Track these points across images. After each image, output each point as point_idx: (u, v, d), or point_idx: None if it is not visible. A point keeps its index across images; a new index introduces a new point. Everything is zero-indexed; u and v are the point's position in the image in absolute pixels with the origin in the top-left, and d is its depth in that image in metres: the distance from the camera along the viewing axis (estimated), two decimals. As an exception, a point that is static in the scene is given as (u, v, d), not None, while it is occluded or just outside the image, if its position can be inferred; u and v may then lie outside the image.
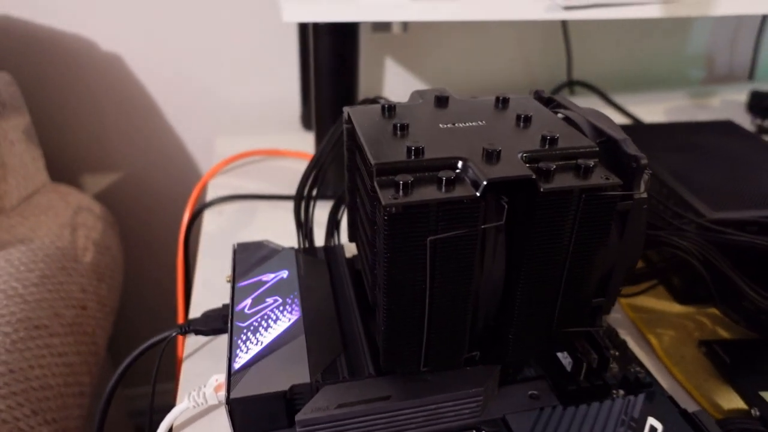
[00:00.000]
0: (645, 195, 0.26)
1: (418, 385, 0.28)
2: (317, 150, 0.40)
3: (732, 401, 0.33)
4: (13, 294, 0.46)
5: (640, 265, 0.42)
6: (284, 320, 0.32)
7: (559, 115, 0.30)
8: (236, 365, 0.29)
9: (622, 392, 0.30)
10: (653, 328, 0.39)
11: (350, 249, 0.39)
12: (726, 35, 0.88)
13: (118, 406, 0.76)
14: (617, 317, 0.41)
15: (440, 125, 0.28)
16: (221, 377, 0.31)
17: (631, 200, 0.26)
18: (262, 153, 0.64)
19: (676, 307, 0.41)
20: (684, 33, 0.86)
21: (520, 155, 0.25)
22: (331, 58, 0.50)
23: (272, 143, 0.66)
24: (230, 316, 0.32)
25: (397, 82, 0.77)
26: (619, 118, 0.73)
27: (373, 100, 0.39)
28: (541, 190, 0.24)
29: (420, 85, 0.79)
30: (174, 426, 0.32)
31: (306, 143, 0.67)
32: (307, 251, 0.39)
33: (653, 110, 0.77)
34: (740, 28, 0.87)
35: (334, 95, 0.52)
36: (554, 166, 0.24)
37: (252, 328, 0.31)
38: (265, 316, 0.32)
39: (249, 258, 0.38)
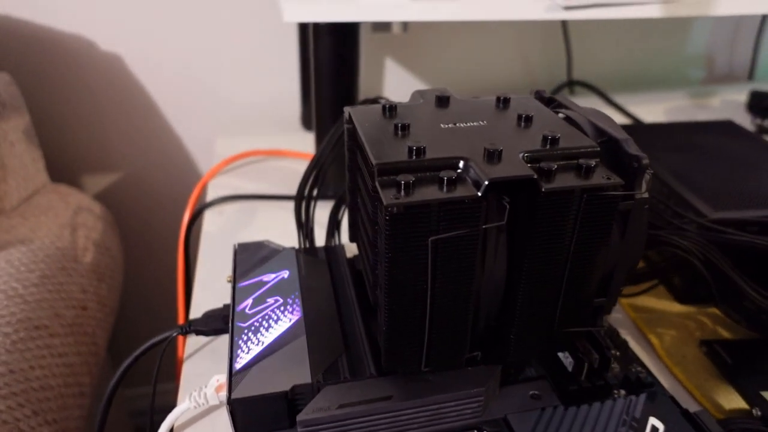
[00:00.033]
0: (646, 195, 0.26)
1: (420, 385, 0.28)
2: (317, 150, 0.40)
3: (733, 401, 0.33)
4: (13, 294, 0.46)
5: (640, 265, 0.42)
6: (285, 320, 0.32)
7: (560, 115, 0.30)
8: (237, 365, 0.29)
9: (623, 392, 0.30)
10: (654, 328, 0.39)
11: (351, 249, 0.39)
12: (726, 35, 0.88)
13: (118, 406, 0.76)
14: (618, 317, 0.41)
15: (441, 125, 0.28)
16: (222, 377, 0.31)
17: (633, 200, 0.26)
18: (262, 153, 0.64)
19: (677, 307, 0.41)
20: (684, 33, 0.86)
21: (521, 155, 0.25)
22: (331, 58, 0.50)
23: (272, 143, 0.66)
24: (231, 317, 0.32)
25: (397, 82, 0.77)
26: (619, 118, 0.73)
27: (374, 100, 0.39)
28: (543, 190, 0.24)
29: (420, 85, 0.79)
30: (175, 426, 0.32)
31: (306, 143, 0.67)
32: (307, 251, 0.39)
33: (653, 110, 0.77)
34: (740, 28, 0.88)
35: (335, 95, 0.52)
36: (555, 166, 0.24)
37: (253, 328, 0.31)
38: (266, 317, 0.32)
39: (250, 258, 0.38)
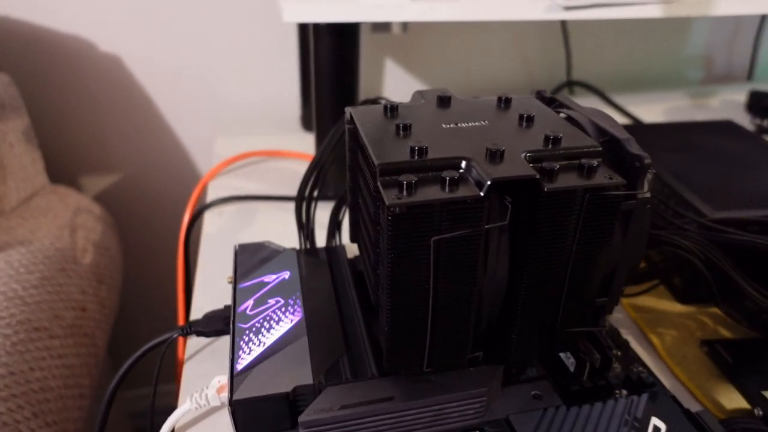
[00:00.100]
0: (648, 195, 0.26)
1: (422, 385, 0.28)
2: (318, 151, 0.40)
3: (734, 401, 0.33)
4: (12, 296, 0.46)
5: (641, 265, 0.42)
6: (286, 321, 0.32)
7: (562, 115, 0.30)
8: (239, 366, 0.29)
9: (625, 392, 0.30)
10: (655, 328, 0.39)
11: (352, 250, 0.39)
12: (725, 35, 0.88)
13: (118, 407, 0.76)
14: (619, 317, 0.41)
15: (443, 125, 0.28)
16: (223, 379, 0.31)
17: (635, 200, 0.26)
18: (262, 154, 0.64)
19: (678, 307, 0.41)
20: (683, 33, 0.86)
21: (523, 155, 0.25)
22: (331, 59, 0.50)
23: (272, 144, 0.66)
24: (232, 318, 0.32)
25: (396, 83, 0.77)
26: (618, 119, 0.73)
27: (374, 101, 0.39)
28: (545, 189, 0.23)
29: (419, 86, 0.79)
30: (176, 428, 0.32)
31: (306, 144, 0.67)
32: (308, 252, 0.39)
33: (652, 110, 0.77)
34: (739, 29, 0.88)
35: (335, 96, 0.52)
36: (557, 166, 0.24)
37: (254, 329, 0.31)
38: (267, 318, 0.32)
39: (250, 259, 0.38)
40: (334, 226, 0.41)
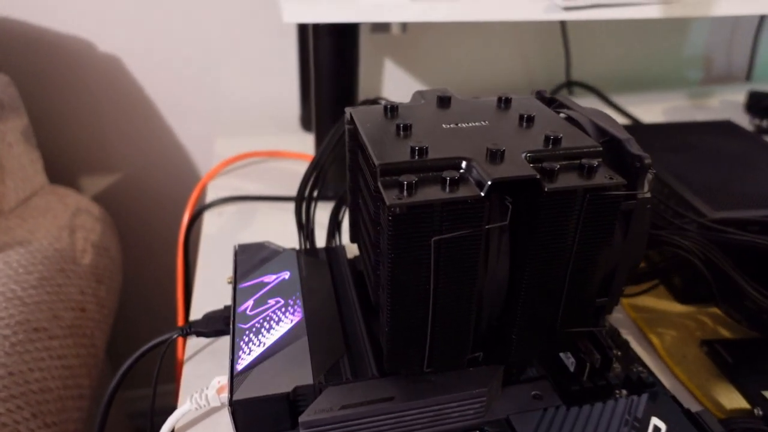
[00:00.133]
0: (649, 195, 0.26)
1: (422, 386, 0.28)
2: (318, 151, 0.40)
3: (734, 401, 0.33)
4: (12, 296, 0.46)
5: (641, 265, 0.42)
6: (286, 322, 0.32)
7: (562, 115, 0.30)
8: (239, 367, 0.28)
9: (625, 392, 0.30)
10: (655, 328, 0.39)
11: (352, 250, 0.39)
12: (724, 36, 0.88)
13: (117, 408, 0.76)
14: (619, 317, 0.41)
15: (443, 125, 0.28)
16: (223, 379, 0.31)
17: (635, 200, 0.26)
18: (261, 154, 0.64)
19: (678, 307, 0.41)
20: (682, 34, 0.86)
21: (523, 155, 0.25)
22: (331, 59, 0.50)
23: (271, 144, 0.66)
24: (232, 318, 0.32)
25: (396, 83, 0.77)
26: (617, 119, 0.73)
27: (374, 101, 0.39)
28: (546, 190, 0.23)
29: (419, 86, 0.79)
30: (176, 428, 0.32)
31: (305, 144, 0.67)
32: (308, 252, 0.39)
33: (651, 111, 0.77)
34: (738, 29, 0.88)
35: (335, 96, 0.52)
36: (558, 166, 0.24)
37: (254, 329, 0.31)
38: (267, 318, 0.32)
39: (250, 259, 0.38)
40: (334, 226, 0.41)
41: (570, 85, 0.81)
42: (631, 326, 0.40)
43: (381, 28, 0.71)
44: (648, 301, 0.42)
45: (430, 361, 0.27)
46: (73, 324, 0.51)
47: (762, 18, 0.86)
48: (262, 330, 0.31)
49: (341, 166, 0.34)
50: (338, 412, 0.26)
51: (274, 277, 0.36)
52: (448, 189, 0.23)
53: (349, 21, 0.48)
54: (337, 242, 0.41)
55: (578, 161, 0.25)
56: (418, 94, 0.33)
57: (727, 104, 0.81)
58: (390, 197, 0.23)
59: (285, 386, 0.27)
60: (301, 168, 0.45)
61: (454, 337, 0.27)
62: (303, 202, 0.41)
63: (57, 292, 0.50)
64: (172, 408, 0.32)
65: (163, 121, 0.71)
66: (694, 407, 0.29)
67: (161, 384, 0.37)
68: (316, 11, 0.47)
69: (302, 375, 0.28)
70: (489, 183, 0.23)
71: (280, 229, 0.50)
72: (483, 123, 0.29)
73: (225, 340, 0.37)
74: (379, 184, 0.24)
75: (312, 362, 0.29)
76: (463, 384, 0.28)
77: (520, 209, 0.25)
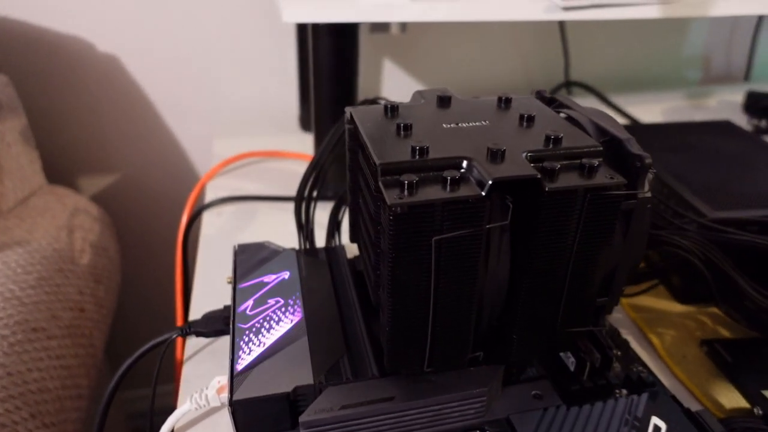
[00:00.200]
0: (649, 194, 0.26)
1: (422, 385, 0.28)
2: (317, 151, 0.40)
3: (734, 400, 0.33)
4: (10, 296, 0.46)
5: (640, 265, 0.42)
6: (286, 321, 0.32)
7: (562, 115, 0.30)
8: (239, 367, 0.28)
9: (625, 392, 0.30)
10: (654, 328, 0.39)
11: (351, 250, 0.39)
12: (722, 36, 0.88)
13: (115, 408, 0.75)
14: (618, 317, 0.41)
15: (444, 125, 0.28)
16: (223, 379, 0.31)
17: (635, 199, 0.26)
18: (260, 154, 0.64)
19: (677, 307, 0.41)
20: (681, 34, 0.86)
21: (524, 155, 0.25)
22: (330, 59, 0.50)
23: (270, 145, 0.65)
24: (232, 318, 0.32)
25: (395, 83, 0.77)
26: (616, 119, 0.73)
27: (373, 101, 0.39)
28: (546, 189, 0.23)
29: (418, 86, 0.79)
30: (176, 428, 0.32)
31: (305, 144, 0.66)
32: (308, 252, 0.39)
33: (650, 111, 0.77)
34: (736, 29, 0.88)
35: (334, 96, 0.52)
36: (559, 166, 0.24)
37: (254, 329, 0.31)
38: (267, 318, 0.32)
39: (250, 259, 0.37)
40: (334, 226, 0.41)
41: (569, 85, 0.81)
42: (631, 326, 0.40)
43: (380, 28, 0.71)
44: (648, 300, 0.42)
45: (430, 360, 0.27)
46: (72, 324, 0.50)
47: (760, 18, 0.86)
48: (262, 330, 0.31)
49: (341, 166, 0.34)
50: (338, 412, 0.26)
51: (273, 277, 0.36)
52: (448, 188, 0.23)
53: (348, 21, 0.48)
54: (337, 242, 0.41)
55: (579, 161, 0.25)
56: (418, 94, 0.33)
57: (725, 104, 0.81)
58: (391, 197, 0.23)
59: (285, 386, 0.27)
60: (301, 168, 0.45)
61: (455, 336, 0.27)
62: (302, 202, 0.41)
63: (55, 292, 0.50)
64: (172, 408, 0.31)
65: (161, 121, 0.71)
66: (694, 407, 0.29)
67: (161, 384, 0.36)
68: (315, 11, 0.47)
69: (302, 375, 0.28)
70: (490, 182, 0.23)
71: (279, 229, 0.50)
72: (483, 123, 0.29)
73: (224, 340, 0.37)
74: (380, 183, 0.24)
75: (312, 362, 0.29)
76: (463, 384, 0.28)
77: (521, 209, 0.25)
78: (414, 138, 0.27)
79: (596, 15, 0.53)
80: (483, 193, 0.23)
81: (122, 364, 0.36)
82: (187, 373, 0.35)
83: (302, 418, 0.26)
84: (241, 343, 0.30)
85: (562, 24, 0.78)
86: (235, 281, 0.35)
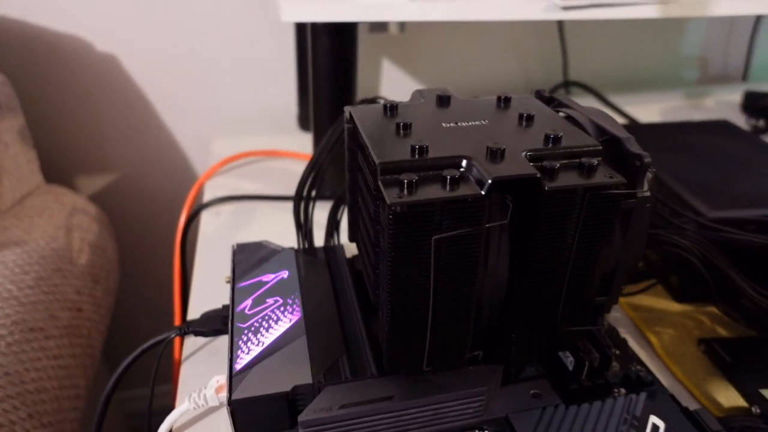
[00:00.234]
0: (648, 193, 0.26)
1: (421, 385, 0.28)
2: (316, 150, 0.40)
3: (732, 399, 0.33)
4: (8, 296, 0.46)
5: (639, 264, 0.42)
6: (285, 321, 0.32)
7: (561, 114, 0.30)
8: (237, 366, 0.28)
9: (623, 391, 0.30)
10: (653, 327, 0.39)
11: (350, 249, 0.39)
12: (720, 36, 0.88)
13: (113, 408, 0.75)
14: (617, 316, 0.41)
15: (443, 124, 0.28)
16: (222, 378, 0.31)
17: (635, 199, 0.26)
18: (259, 154, 0.64)
19: (675, 306, 0.41)
20: (679, 34, 0.86)
21: (524, 154, 0.25)
22: (329, 59, 0.50)
23: (269, 144, 0.65)
24: (230, 317, 0.32)
25: (393, 83, 0.77)
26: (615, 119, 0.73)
27: (372, 100, 0.39)
28: (546, 188, 0.23)
29: (417, 86, 0.79)
30: (174, 428, 0.31)
31: (303, 144, 0.66)
32: (307, 252, 0.39)
33: (648, 110, 0.77)
34: (734, 29, 0.88)
35: (333, 95, 0.52)
36: (558, 165, 0.24)
37: (253, 328, 0.31)
38: (266, 317, 0.32)
39: (248, 259, 0.37)
40: (333, 225, 0.41)
41: (567, 84, 0.81)
42: (630, 325, 0.40)
43: (379, 27, 0.71)
44: (646, 300, 0.42)
45: (429, 360, 0.27)
46: (70, 324, 0.50)
47: (758, 18, 0.87)
48: (261, 329, 0.31)
49: (340, 165, 0.34)
50: (337, 411, 0.26)
51: (272, 276, 0.36)
52: (448, 188, 0.23)
53: (347, 20, 0.48)
54: (336, 241, 0.41)
55: (578, 160, 0.25)
56: (418, 93, 0.33)
57: (723, 104, 0.81)
58: (390, 196, 0.23)
59: (284, 385, 0.27)
60: (299, 167, 0.45)
61: (454, 336, 0.27)
62: (301, 201, 0.40)
63: (53, 292, 0.50)
64: (170, 408, 0.31)
65: (160, 120, 0.71)
66: (693, 405, 0.29)
67: (159, 384, 0.36)
68: (314, 10, 0.47)
69: (301, 374, 0.28)
70: (489, 181, 0.23)
71: (278, 228, 0.50)
72: (483, 122, 0.29)
73: (223, 340, 0.37)
74: (380, 182, 0.24)
75: (311, 361, 0.29)
76: (462, 383, 0.28)
77: (521, 208, 0.25)
78: (413, 137, 0.27)
79: (595, 15, 0.53)
80: (482, 193, 0.23)
81: (120, 364, 0.36)
82: (185, 372, 0.35)
83: (301, 418, 0.26)
84: (240, 342, 0.30)
85: (560, 24, 0.78)
86: (233, 280, 0.35)
